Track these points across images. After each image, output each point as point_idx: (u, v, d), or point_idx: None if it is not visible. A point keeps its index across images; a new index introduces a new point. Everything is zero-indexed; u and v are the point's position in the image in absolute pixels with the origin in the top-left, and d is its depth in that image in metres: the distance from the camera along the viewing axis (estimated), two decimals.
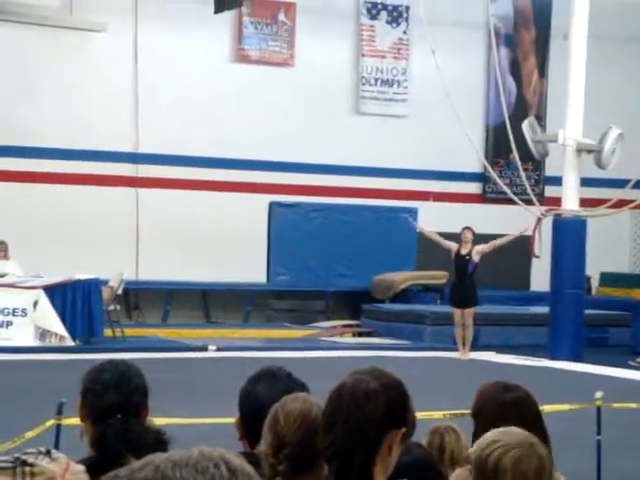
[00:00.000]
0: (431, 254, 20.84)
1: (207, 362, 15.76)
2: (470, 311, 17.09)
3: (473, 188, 23.32)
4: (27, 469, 2.27)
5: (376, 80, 22.30)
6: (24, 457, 2.29)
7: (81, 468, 2.36)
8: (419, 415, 7.09)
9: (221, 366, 14.88)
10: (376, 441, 2.48)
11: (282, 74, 21.55)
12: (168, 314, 20.67)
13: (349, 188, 22.10)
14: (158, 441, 3.21)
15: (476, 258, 17.01)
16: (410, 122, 22.25)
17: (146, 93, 20.55)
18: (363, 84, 22.23)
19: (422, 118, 22.03)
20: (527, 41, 23.49)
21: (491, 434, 2.93)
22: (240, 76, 21.19)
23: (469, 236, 17.15)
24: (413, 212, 22.52)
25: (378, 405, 2.50)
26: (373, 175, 22.17)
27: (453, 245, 17.37)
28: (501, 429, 2.96)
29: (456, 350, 17.26)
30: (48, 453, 2.33)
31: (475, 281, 17.15)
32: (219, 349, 16.94)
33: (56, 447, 5.56)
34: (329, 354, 16.12)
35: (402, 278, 21.47)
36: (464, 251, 17.13)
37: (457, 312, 17.18)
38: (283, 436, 2.86)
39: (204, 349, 16.93)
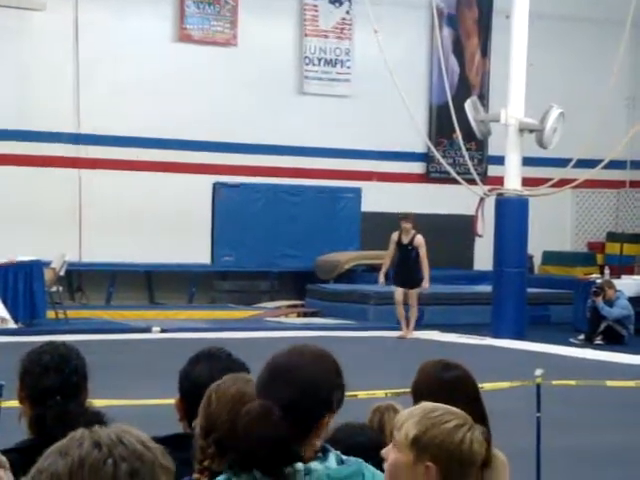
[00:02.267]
0: (375, 234, 20.91)
1: (151, 343, 15.72)
2: (414, 291, 17.12)
3: (417, 168, 23.41)
4: None
5: (319, 60, 22.27)
6: None
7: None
8: (363, 394, 7.16)
9: (165, 347, 14.84)
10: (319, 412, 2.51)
11: (225, 54, 21.44)
12: (112, 296, 20.54)
13: (293, 168, 22.08)
14: (98, 422, 3.20)
15: (420, 251, 17.05)
16: (354, 102, 22.26)
17: (87, 73, 20.33)
18: (307, 64, 22.19)
19: (365, 98, 22.04)
20: (470, 20, 23.58)
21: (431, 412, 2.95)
22: (183, 56, 21.05)
23: (408, 226, 17.11)
24: (356, 192, 22.56)
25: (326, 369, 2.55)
26: (317, 155, 22.17)
27: (394, 235, 17.33)
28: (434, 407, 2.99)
29: (400, 329, 17.35)
30: None
31: (419, 263, 17.13)
32: (163, 330, 16.89)
33: None
34: (274, 334, 16.14)
35: (346, 258, 21.53)
36: (405, 240, 17.09)
37: (398, 291, 17.14)
38: (214, 419, 2.85)
39: (148, 330, 16.87)
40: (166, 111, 20.67)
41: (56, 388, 3.33)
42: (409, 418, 2.78)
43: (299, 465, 2.44)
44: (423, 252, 17.04)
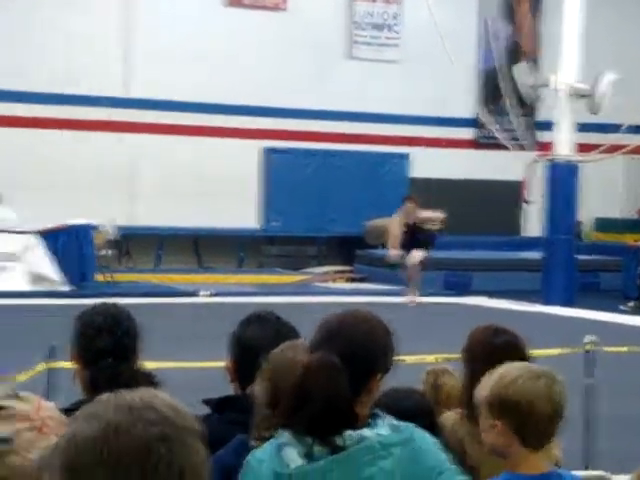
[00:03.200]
0: (423, 200, 20.82)
1: (199, 307, 15.81)
2: (417, 254, 16.68)
3: (465, 133, 23.24)
4: (2, 412, 2.27)
5: (368, 24, 22.13)
6: None
7: (52, 405, 2.36)
8: (412, 359, 7.14)
9: (213, 311, 14.92)
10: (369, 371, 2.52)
11: (275, 18, 21.38)
12: (160, 260, 20.68)
13: (342, 134, 22.02)
14: (149, 384, 3.23)
15: (434, 227, 16.90)
16: (402, 67, 22.12)
17: (137, 38, 20.38)
18: (355, 29, 22.06)
19: (414, 63, 21.90)
20: None
21: (506, 372, 2.97)
22: (233, 20, 21.01)
23: (411, 206, 16.76)
24: (404, 158, 22.47)
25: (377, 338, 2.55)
26: (366, 121, 22.09)
27: (394, 224, 17.00)
28: (510, 365, 3.01)
29: (446, 295, 17.29)
30: (15, 395, 2.32)
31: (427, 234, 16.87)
32: (211, 294, 16.97)
33: (47, 390, 5.58)
34: (322, 299, 16.17)
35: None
36: (410, 221, 16.72)
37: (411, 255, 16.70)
38: (279, 386, 2.86)
39: (196, 294, 16.97)
40: (216, 76, 20.69)
41: (108, 349, 3.36)
42: (485, 379, 2.91)
43: (350, 433, 2.44)
44: (426, 215, 16.70)
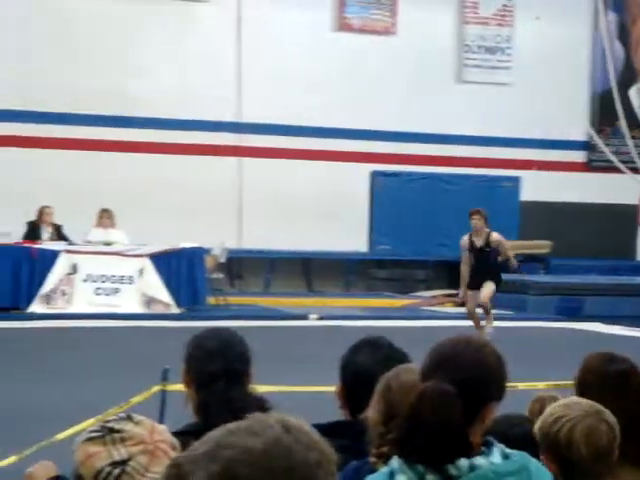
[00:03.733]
0: (534, 223, 20.61)
1: (308, 331, 15.85)
2: (490, 289, 14.43)
3: (577, 156, 22.92)
4: (117, 435, 2.29)
5: (479, 47, 22.03)
6: (110, 425, 2.32)
7: (165, 428, 2.39)
8: (522, 386, 7.04)
9: (322, 335, 14.95)
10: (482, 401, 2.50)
11: (384, 43, 21.43)
12: (270, 282, 20.83)
13: (451, 157, 21.94)
14: (260, 408, 3.24)
15: (501, 249, 14.43)
16: (514, 90, 21.95)
17: (249, 62, 20.65)
18: (466, 52, 21.98)
19: (526, 85, 21.71)
20: (635, 5, 22.92)
21: (554, 409, 2.92)
22: (342, 45, 21.14)
23: (480, 223, 14.33)
24: (515, 181, 22.26)
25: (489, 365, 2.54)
26: (475, 144, 21.96)
27: (463, 240, 14.77)
28: (563, 401, 2.95)
29: (558, 320, 17.01)
30: (129, 418, 2.35)
31: (499, 266, 14.66)
32: (320, 318, 17.02)
33: (161, 413, 5.66)
34: (430, 323, 16.07)
35: None
36: (479, 242, 14.40)
37: (469, 296, 14.62)
38: (395, 406, 2.86)
39: (305, 317, 17.02)
40: (325, 100, 20.82)
41: (220, 373, 3.39)
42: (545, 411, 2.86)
43: (463, 461, 2.42)
44: (506, 248, 14.45)
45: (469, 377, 2.50)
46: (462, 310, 19.25)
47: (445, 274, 21.83)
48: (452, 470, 2.41)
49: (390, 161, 21.63)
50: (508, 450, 2.50)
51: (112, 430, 2.29)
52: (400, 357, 3.35)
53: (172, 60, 20.22)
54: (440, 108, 21.55)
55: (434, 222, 21.61)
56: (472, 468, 2.43)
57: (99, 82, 19.56)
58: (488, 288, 14.31)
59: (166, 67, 20.17)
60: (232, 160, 20.67)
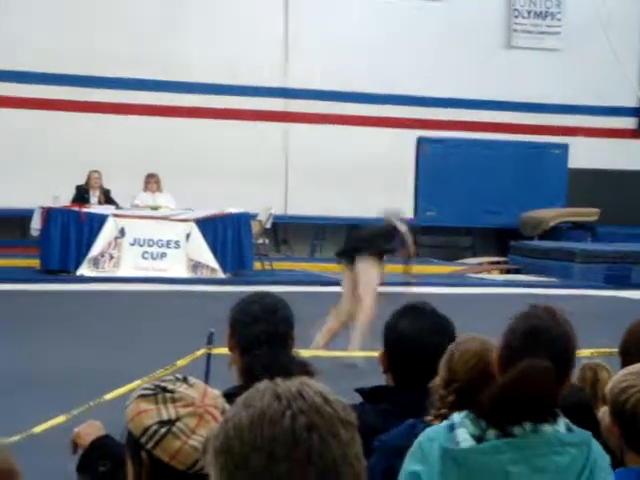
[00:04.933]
0: (582, 191, 20.46)
1: None
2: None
3: (627, 123, 22.66)
4: (168, 395, 2.33)
5: (529, 12, 21.80)
6: (163, 384, 2.35)
7: (218, 393, 2.42)
8: None
9: None
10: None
11: (433, 8, 21.26)
12: (315, 248, 20.87)
13: (499, 123, 21.77)
14: (304, 372, 3.27)
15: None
16: (563, 56, 21.71)
17: (297, 27, 20.58)
18: (515, 17, 21.76)
19: (576, 51, 21.46)
20: None
21: (626, 376, 2.91)
22: (391, 10, 21.00)
23: None
24: (564, 148, 22.07)
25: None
26: (524, 110, 21.78)
27: None
28: (636, 368, 2.94)
29: (605, 289, 16.89)
30: (185, 380, 2.38)
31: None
32: None
33: (206, 376, 5.72)
34: (476, 291, 16.04)
35: (552, 215, 21.14)
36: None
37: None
38: (455, 371, 2.90)
39: None
40: (372, 65, 20.72)
41: (264, 337, 3.42)
42: (615, 377, 2.79)
43: (528, 424, 2.47)
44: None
45: (559, 351, 2.60)
46: (509, 277, 19.21)
47: (491, 241, 21.75)
48: (516, 430, 2.45)
49: (437, 127, 21.51)
50: (573, 425, 2.54)
51: (165, 390, 2.33)
52: (444, 323, 3.36)
53: (218, 25, 20.19)
54: (488, 74, 21.37)
55: (480, 189, 21.49)
56: (535, 431, 2.46)
57: (149, 48, 19.60)
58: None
59: (212, 32, 20.16)
60: (279, 125, 20.67)
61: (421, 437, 2.59)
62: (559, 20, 21.88)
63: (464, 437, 2.48)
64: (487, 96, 21.44)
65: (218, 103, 20.22)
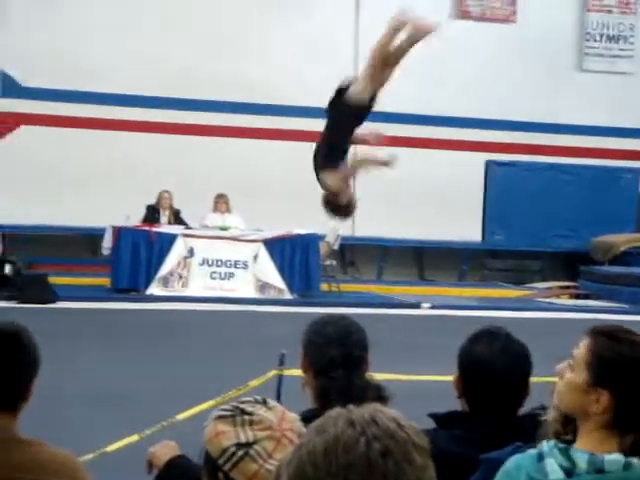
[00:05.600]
0: None
1: (421, 320, 15.82)
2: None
3: None
4: (246, 418, 2.34)
5: (601, 36, 21.63)
6: (242, 406, 2.36)
7: (296, 417, 2.42)
8: None
9: (435, 324, 14.91)
10: None
11: (504, 30, 21.19)
12: (382, 270, 20.84)
13: (569, 147, 21.60)
14: (379, 397, 3.26)
15: None
16: (636, 79, 21.49)
17: (366, 48, 20.58)
18: (587, 40, 21.60)
19: None
20: None
21: None
22: (461, 32, 20.96)
23: None
24: (636, 173, 21.82)
25: None
26: (595, 134, 21.58)
27: None
28: None
29: None
30: (264, 402, 2.39)
31: None
32: (433, 307, 16.97)
33: (278, 397, 5.73)
34: (546, 315, 15.89)
35: (623, 240, 20.88)
36: None
37: None
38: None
39: (418, 306, 16.99)
40: (442, 88, 20.68)
41: (339, 360, 3.41)
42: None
43: (618, 457, 2.45)
44: None
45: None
46: (579, 302, 18.99)
47: (560, 266, 21.54)
48: (608, 465, 2.42)
49: (505, 150, 21.40)
50: None
51: (243, 412, 2.34)
52: (519, 348, 3.34)
53: (290, 46, 20.31)
54: (559, 97, 21.23)
55: (550, 212, 21.32)
56: (627, 467, 2.43)
57: (218, 67, 19.77)
58: None
59: (284, 52, 20.27)
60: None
61: (508, 464, 2.54)
62: (632, 44, 21.68)
63: (553, 468, 2.43)
64: (558, 120, 21.29)
65: (288, 124, 20.31)
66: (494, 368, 3.26)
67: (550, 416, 2.83)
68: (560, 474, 2.43)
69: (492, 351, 3.30)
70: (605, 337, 2.55)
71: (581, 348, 2.56)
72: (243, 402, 2.38)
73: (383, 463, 1.45)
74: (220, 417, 2.36)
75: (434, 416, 3.39)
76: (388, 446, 1.46)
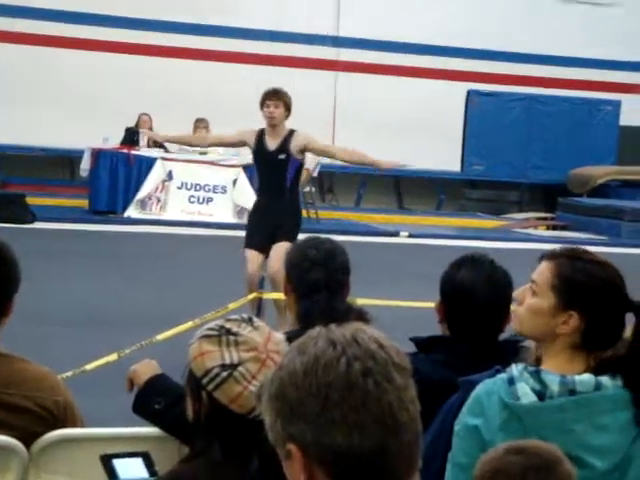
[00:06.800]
0: (634, 149, 20.22)
1: (399, 247, 15.88)
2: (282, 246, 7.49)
3: None
4: (232, 338, 2.32)
5: None
6: (228, 325, 2.34)
7: (282, 337, 2.41)
8: None
9: (413, 252, 14.96)
10: None
11: None
12: (361, 199, 20.84)
13: (550, 78, 21.52)
14: (361, 319, 3.27)
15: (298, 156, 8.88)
16: (620, 10, 21.37)
17: None
18: None
19: (630, 6, 21.12)
20: None
21: None
22: None
23: (276, 111, 8.88)
24: (616, 105, 21.79)
25: None
26: (576, 65, 21.50)
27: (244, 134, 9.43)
28: None
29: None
30: (250, 321, 2.37)
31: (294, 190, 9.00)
32: (411, 235, 17.01)
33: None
34: (522, 245, 15.95)
35: (601, 172, 20.93)
36: (272, 145, 8.87)
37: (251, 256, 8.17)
38: None
39: (396, 234, 17.03)
40: (424, 16, 20.51)
41: (323, 283, 3.42)
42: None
43: (589, 377, 2.47)
44: (317, 146, 9.27)
45: None
46: (556, 233, 19.07)
47: (539, 197, 21.60)
48: (579, 386, 2.44)
49: (487, 80, 21.31)
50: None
51: (229, 332, 2.33)
52: (502, 275, 3.34)
53: None
54: (542, 28, 21.09)
55: (529, 144, 21.31)
56: (597, 386, 2.45)
57: None
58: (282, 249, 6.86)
59: None
60: (328, 74, 20.56)
61: (479, 389, 2.55)
62: None
63: (524, 392, 2.45)
64: (539, 50, 21.18)
65: (269, 49, 20.12)
66: (478, 294, 3.26)
67: (532, 342, 2.84)
68: (532, 397, 2.44)
69: (476, 277, 3.30)
70: (567, 259, 2.56)
71: (544, 272, 2.55)
72: (229, 320, 2.37)
73: (364, 383, 1.45)
74: (205, 336, 2.35)
75: (415, 340, 3.40)
76: (368, 365, 1.46)
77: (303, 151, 8.84)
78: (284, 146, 8.68)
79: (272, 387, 1.51)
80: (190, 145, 11.80)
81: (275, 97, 8.79)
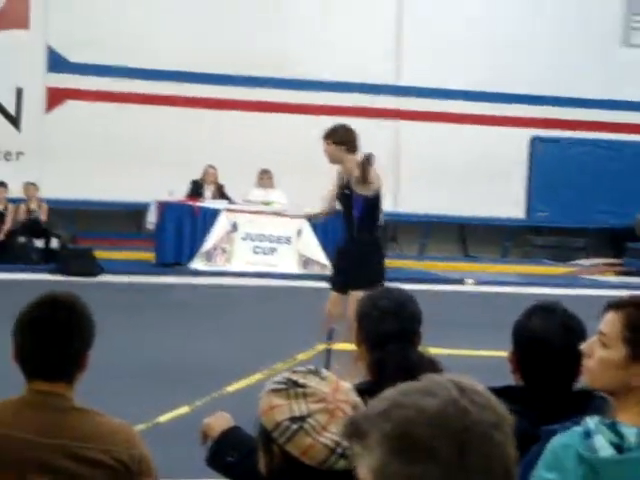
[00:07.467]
0: None
1: (464, 296, 15.78)
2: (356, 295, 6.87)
3: None
4: (299, 390, 2.32)
5: None
6: (295, 377, 2.35)
7: (350, 387, 2.40)
8: None
9: (479, 300, 14.86)
10: None
11: (548, 6, 20.96)
12: (425, 247, 20.78)
13: (614, 123, 21.37)
14: (433, 369, 3.25)
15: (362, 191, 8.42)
16: None
17: (410, 25, 20.48)
18: (634, 14, 21.33)
19: None
20: None
21: None
22: (503, 9, 20.77)
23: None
24: None
25: None
26: (638, 110, 21.33)
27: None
28: None
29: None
30: (317, 372, 2.37)
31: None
32: (477, 283, 16.90)
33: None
34: (590, 292, 15.77)
35: None
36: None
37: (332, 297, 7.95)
38: None
39: (461, 282, 16.93)
40: (486, 65, 20.51)
41: (394, 333, 3.40)
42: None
43: None
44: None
45: None
46: (626, 279, 18.80)
47: (605, 243, 21.37)
48: None
49: (550, 126, 21.21)
50: None
51: (296, 384, 2.33)
52: (575, 323, 3.31)
53: (329, 18, 20.22)
54: (603, 72, 20.98)
55: (594, 189, 21.13)
56: None
57: (258, 43, 19.74)
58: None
59: (324, 26, 20.19)
60: (390, 123, 20.62)
61: (554, 442, 2.51)
62: None
63: (602, 444, 2.41)
64: (602, 95, 21.06)
65: (330, 100, 20.25)
66: (552, 343, 3.23)
67: None
68: (610, 450, 2.40)
69: (549, 326, 3.27)
70: (636, 308, 2.52)
71: (613, 323, 2.52)
72: (295, 372, 2.37)
73: (493, 433, 1.46)
74: (273, 390, 2.35)
75: (491, 390, 3.36)
76: (496, 418, 1.48)
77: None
78: (348, 181, 8.17)
79: (388, 425, 1.47)
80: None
81: (323, 138, 8.39)
